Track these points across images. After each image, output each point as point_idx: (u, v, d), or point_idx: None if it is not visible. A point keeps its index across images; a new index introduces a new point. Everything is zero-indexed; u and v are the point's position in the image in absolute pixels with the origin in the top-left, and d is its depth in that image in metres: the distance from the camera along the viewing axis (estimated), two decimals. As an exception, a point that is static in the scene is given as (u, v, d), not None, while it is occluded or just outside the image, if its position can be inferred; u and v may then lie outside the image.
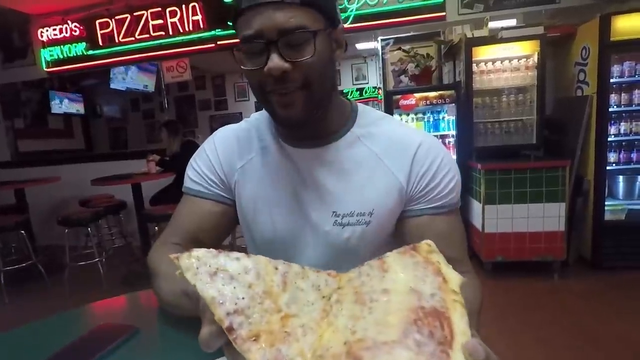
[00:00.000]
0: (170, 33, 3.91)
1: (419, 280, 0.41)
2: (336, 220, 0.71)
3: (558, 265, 2.75)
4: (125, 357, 0.61)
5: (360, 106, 0.78)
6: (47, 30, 4.18)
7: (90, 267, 3.37)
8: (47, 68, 4.30)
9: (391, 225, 0.74)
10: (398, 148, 0.72)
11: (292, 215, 0.74)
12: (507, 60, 3.01)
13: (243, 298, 0.40)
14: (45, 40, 4.23)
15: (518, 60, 3.00)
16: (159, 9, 3.87)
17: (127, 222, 4.03)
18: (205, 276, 0.41)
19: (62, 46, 4.19)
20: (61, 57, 4.22)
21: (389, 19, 3.51)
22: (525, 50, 2.96)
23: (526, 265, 2.81)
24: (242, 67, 0.65)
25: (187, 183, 0.81)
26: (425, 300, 0.39)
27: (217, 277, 0.41)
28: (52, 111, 5.44)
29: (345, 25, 3.55)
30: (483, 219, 2.83)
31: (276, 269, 0.44)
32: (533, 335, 2.10)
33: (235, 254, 0.44)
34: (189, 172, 0.82)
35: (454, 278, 0.41)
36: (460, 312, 0.38)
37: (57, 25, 4.14)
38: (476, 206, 2.96)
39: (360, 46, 5.42)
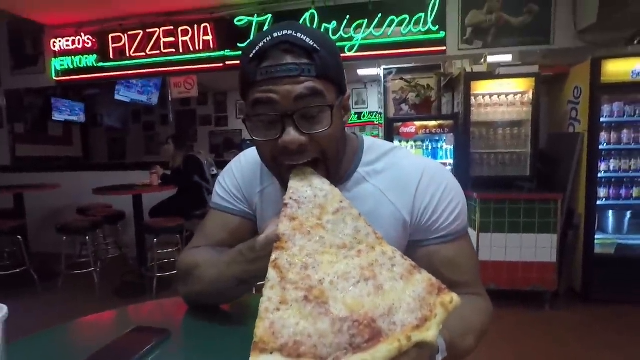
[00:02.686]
0: (181, 51, 4.03)
1: (406, 310, 0.45)
2: None
3: (549, 295, 2.82)
4: (159, 359, 0.65)
5: (367, 142, 0.80)
6: (60, 41, 4.27)
7: (84, 276, 3.36)
8: (57, 77, 4.37)
9: None
10: (401, 183, 0.74)
11: None
12: (503, 95, 3.16)
13: (305, 197, 0.58)
14: (57, 50, 4.31)
15: (514, 96, 3.15)
16: (172, 27, 4.00)
17: (123, 233, 4.03)
18: (298, 180, 0.61)
19: (73, 57, 4.28)
20: (71, 67, 4.30)
21: (392, 49, 3.68)
22: (521, 87, 3.12)
23: (518, 295, 2.86)
24: (253, 137, 0.64)
25: (215, 199, 0.87)
26: (383, 320, 0.44)
27: (302, 182, 0.61)
28: (53, 118, 5.48)
29: (351, 54, 3.71)
30: (477, 247, 2.89)
31: (341, 202, 0.58)
32: (525, 364, 2.13)
33: (327, 182, 0.62)
34: (217, 188, 0.87)
35: (426, 336, 0.43)
36: (388, 349, 0.41)
37: (70, 36, 4.24)
38: (471, 234, 3.04)
39: (362, 72, 5.60)
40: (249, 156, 0.86)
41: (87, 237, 3.33)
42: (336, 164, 0.69)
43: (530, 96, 3.10)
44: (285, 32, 0.59)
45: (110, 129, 7.08)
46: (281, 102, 0.59)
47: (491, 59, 3.41)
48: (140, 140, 7.11)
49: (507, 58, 3.56)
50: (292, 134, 0.60)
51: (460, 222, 0.74)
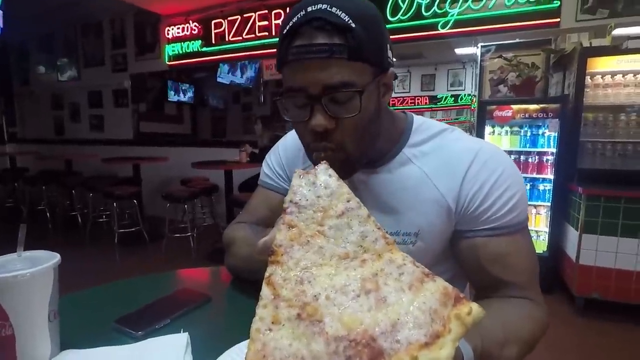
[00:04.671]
0: (274, 34, 4.19)
1: (413, 325, 0.39)
2: None
3: (671, 317, 2.34)
4: (196, 319, 0.71)
5: (417, 121, 0.75)
6: (172, 29, 4.80)
7: (183, 239, 3.83)
8: (169, 62, 4.95)
9: (440, 245, 0.72)
10: (448, 167, 0.69)
11: None
12: (631, 74, 2.64)
13: (307, 199, 0.50)
14: (170, 38, 4.86)
15: (647, 75, 2.61)
16: (266, 11, 4.18)
17: (217, 204, 4.45)
18: (299, 177, 0.52)
19: (182, 43, 4.78)
20: (180, 52, 4.82)
21: (492, 24, 3.31)
22: (658, 64, 2.56)
23: (630, 309, 2.44)
24: (285, 117, 0.65)
25: (262, 176, 0.91)
26: (385, 338, 0.38)
27: (305, 179, 0.52)
28: (168, 99, 6.22)
29: (444, 31, 3.45)
30: (579, 249, 2.52)
31: (348, 201, 0.50)
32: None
33: (335, 176, 0.53)
34: (264, 166, 0.91)
35: (437, 356, 0.37)
36: None
37: (180, 24, 4.73)
38: (572, 234, 2.65)
39: (460, 51, 5.20)
40: (295, 135, 0.87)
41: (186, 206, 3.76)
42: (359, 151, 0.64)
43: (670, 74, 2.53)
44: (319, 6, 0.56)
45: (214, 109, 7.77)
46: (310, 86, 0.58)
47: (619, 31, 2.85)
48: (239, 120, 7.66)
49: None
50: (318, 118, 0.59)
51: (516, 215, 0.66)
